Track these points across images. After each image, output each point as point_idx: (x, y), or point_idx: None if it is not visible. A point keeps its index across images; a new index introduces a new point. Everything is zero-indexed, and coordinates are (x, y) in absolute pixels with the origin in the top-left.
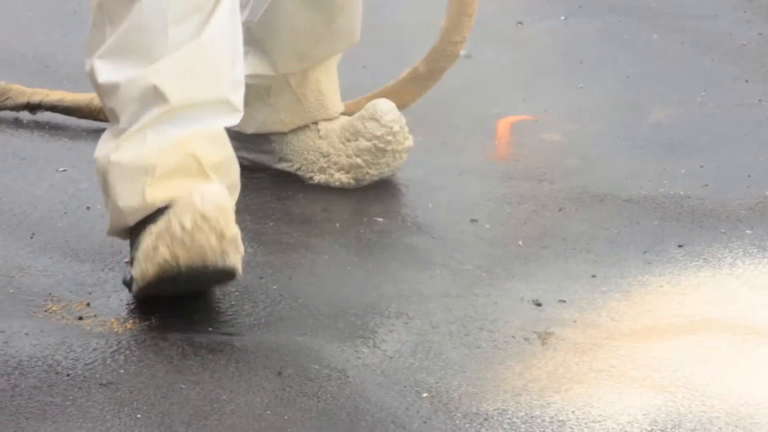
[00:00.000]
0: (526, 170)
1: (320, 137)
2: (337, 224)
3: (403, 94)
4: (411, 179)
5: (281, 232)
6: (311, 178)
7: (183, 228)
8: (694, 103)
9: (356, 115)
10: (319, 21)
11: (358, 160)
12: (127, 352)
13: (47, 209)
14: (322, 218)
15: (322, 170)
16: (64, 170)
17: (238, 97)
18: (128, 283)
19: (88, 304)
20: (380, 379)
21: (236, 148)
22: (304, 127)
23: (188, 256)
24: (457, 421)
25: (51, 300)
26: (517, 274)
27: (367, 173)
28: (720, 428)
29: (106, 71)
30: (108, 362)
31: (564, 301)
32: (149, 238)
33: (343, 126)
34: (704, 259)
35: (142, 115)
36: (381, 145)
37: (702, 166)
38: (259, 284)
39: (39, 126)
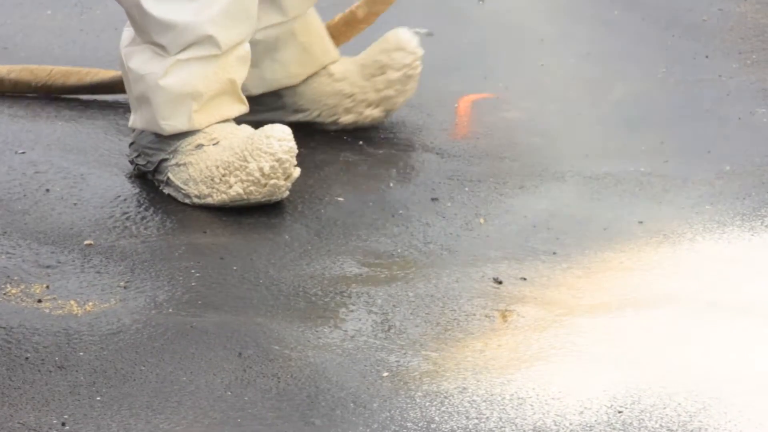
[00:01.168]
0: (486, 148)
1: (336, 80)
2: (299, 205)
3: (336, 37)
4: (372, 158)
5: (242, 213)
6: (335, 122)
7: (261, 172)
8: (655, 80)
9: (376, 50)
10: None
11: (389, 92)
12: (87, 334)
13: (6, 191)
14: (285, 200)
15: (347, 111)
16: (23, 152)
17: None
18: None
19: (47, 287)
20: (340, 359)
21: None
22: (314, 75)
23: (260, 194)
24: (418, 400)
25: (10, 282)
26: (478, 253)
27: (396, 102)
28: (679, 403)
29: (160, 7)
30: (67, 345)
31: (525, 279)
32: (217, 169)
33: (363, 64)
34: (664, 234)
35: (192, 51)
36: (410, 72)
37: (662, 143)
38: (221, 265)
39: None
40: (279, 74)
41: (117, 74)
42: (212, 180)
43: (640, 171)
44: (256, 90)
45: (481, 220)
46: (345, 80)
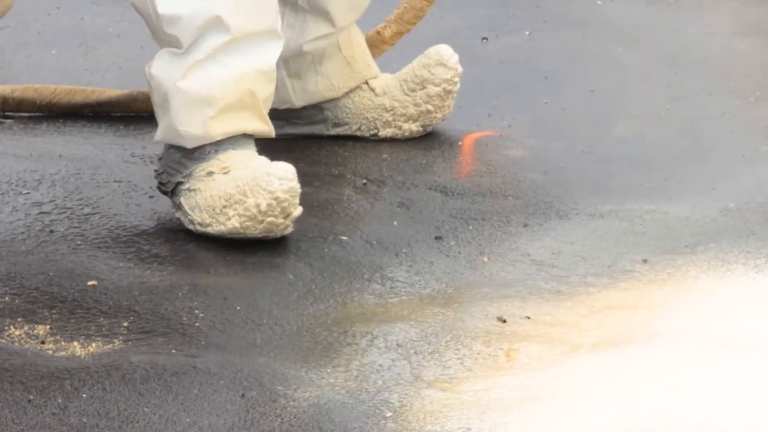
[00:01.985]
0: (490, 186)
1: (377, 95)
2: (302, 244)
3: (405, 14)
4: (376, 197)
5: (245, 252)
6: (375, 134)
7: (258, 209)
8: (658, 117)
9: (418, 65)
10: None
11: (428, 107)
12: (90, 376)
13: (10, 232)
14: (286, 237)
15: (386, 124)
16: (27, 193)
17: (279, 25)
18: (166, 189)
19: (51, 328)
20: (344, 399)
21: (280, 126)
22: (356, 89)
23: (257, 230)
24: None
25: (13, 324)
26: (482, 291)
27: (435, 117)
28: None
29: (166, 1)
30: (70, 386)
31: (529, 317)
32: (219, 200)
33: (403, 79)
34: (669, 273)
35: (206, 43)
36: (449, 87)
37: (666, 180)
38: (224, 305)
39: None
40: (322, 86)
41: (122, 93)
42: (213, 210)
43: (644, 209)
44: (299, 102)
45: (485, 259)
46: (385, 95)
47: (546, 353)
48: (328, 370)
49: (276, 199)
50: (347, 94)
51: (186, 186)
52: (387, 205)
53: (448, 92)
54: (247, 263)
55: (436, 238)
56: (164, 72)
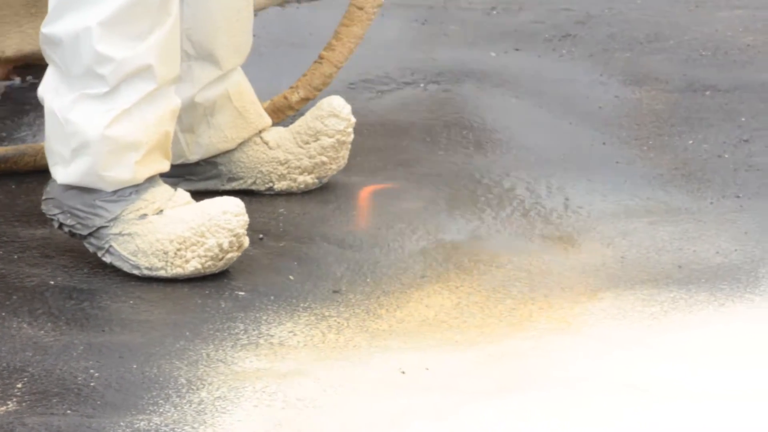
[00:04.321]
0: (387, 238)
1: (271, 148)
2: (198, 299)
3: (314, 80)
4: (272, 251)
5: (140, 310)
6: (270, 188)
7: (221, 248)
8: (554, 165)
9: (311, 117)
10: (245, 8)
11: (323, 158)
12: None
13: None
14: (183, 294)
15: (281, 177)
16: None
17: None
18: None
19: None
20: None
21: (176, 182)
22: (249, 143)
23: (216, 267)
24: None
25: None
26: (382, 343)
27: (330, 169)
28: None
29: (105, 40)
30: None
31: (428, 369)
32: (171, 243)
33: (297, 131)
34: (567, 321)
35: (132, 90)
36: (343, 138)
37: (563, 230)
38: (120, 363)
39: None
40: (215, 138)
41: (8, 148)
42: (165, 254)
43: (543, 258)
44: (193, 156)
45: (383, 311)
46: (279, 147)
47: (445, 403)
48: (227, 427)
49: (236, 235)
50: (241, 147)
51: (115, 230)
52: (284, 260)
53: (342, 143)
54: (143, 321)
55: (334, 291)
56: (87, 119)
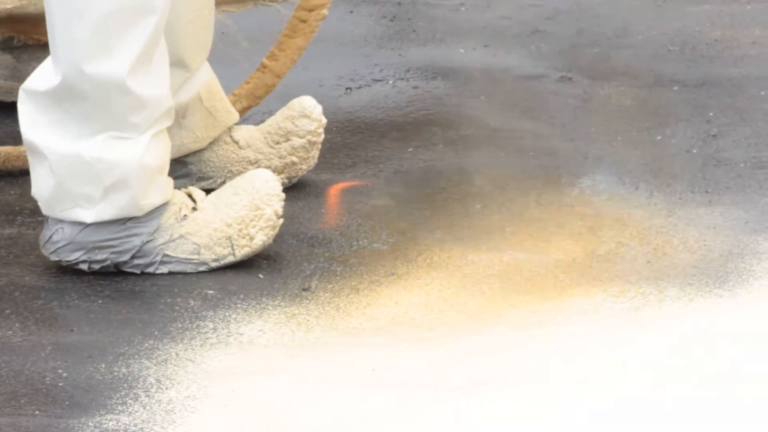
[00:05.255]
0: (357, 235)
1: (241, 147)
2: (168, 298)
3: (257, 90)
4: None
5: (110, 310)
6: None
7: (276, 213)
8: (522, 165)
9: (281, 117)
10: (206, 5)
11: (293, 158)
12: None
13: None
14: (152, 293)
15: None
16: None
17: None
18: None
19: None
20: None
21: None
22: (219, 142)
23: (275, 235)
24: None
25: None
26: (353, 341)
27: (300, 169)
28: None
29: (141, 81)
30: None
31: (398, 365)
32: (231, 228)
33: (267, 131)
34: (536, 318)
35: (159, 125)
36: (314, 138)
37: (529, 226)
38: (88, 363)
39: None
40: (187, 139)
41: None
42: (229, 239)
43: (517, 257)
44: None
45: (353, 309)
46: (249, 147)
47: (414, 398)
48: (196, 426)
49: (283, 199)
50: (211, 147)
51: (163, 239)
52: (254, 258)
53: (313, 143)
54: (112, 320)
55: (304, 289)
56: (122, 153)
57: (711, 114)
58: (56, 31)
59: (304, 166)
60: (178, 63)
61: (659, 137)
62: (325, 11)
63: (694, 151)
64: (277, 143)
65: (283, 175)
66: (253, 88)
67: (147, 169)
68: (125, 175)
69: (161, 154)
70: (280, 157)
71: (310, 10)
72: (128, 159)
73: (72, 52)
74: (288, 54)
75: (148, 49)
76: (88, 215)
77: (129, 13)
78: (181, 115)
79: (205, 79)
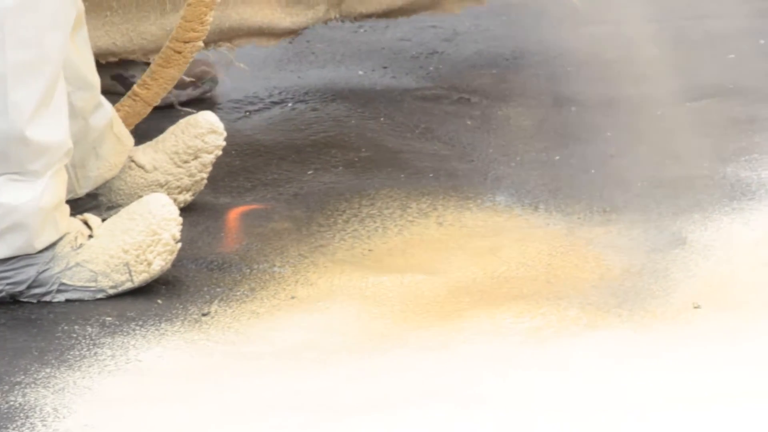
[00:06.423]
0: (256, 259)
1: (148, 171)
2: (65, 325)
3: (128, 118)
4: None
5: (6, 338)
6: None
7: (174, 238)
8: (425, 185)
9: (188, 136)
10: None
11: (202, 175)
12: None
13: None
14: (49, 320)
15: None
16: None
17: None
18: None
19: None
20: None
21: None
22: (125, 168)
23: (174, 260)
24: None
25: None
26: (252, 366)
27: (203, 180)
28: None
29: (40, 129)
30: None
31: (298, 388)
32: (127, 254)
33: (173, 151)
34: (440, 340)
35: (57, 166)
36: (219, 152)
37: (431, 247)
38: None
39: None
40: (102, 169)
41: None
42: (126, 265)
43: (415, 278)
44: (82, 190)
45: (254, 333)
46: (157, 170)
47: (313, 420)
48: None
49: (180, 223)
50: (119, 175)
51: (59, 268)
52: (153, 284)
53: (217, 156)
54: (8, 348)
55: (203, 314)
56: (17, 197)
57: (609, 134)
58: None
59: (206, 181)
60: (85, 86)
61: (558, 157)
62: (200, 43)
63: (593, 171)
64: (186, 162)
65: (190, 192)
66: (125, 116)
67: (43, 211)
68: (21, 218)
69: (58, 192)
70: (190, 176)
71: (186, 42)
72: (26, 202)
73: None
74: (160, 83)
75: (46, 97)
76: None
77: (24, 70)
78: (97, 144)
79: (108, 105)
